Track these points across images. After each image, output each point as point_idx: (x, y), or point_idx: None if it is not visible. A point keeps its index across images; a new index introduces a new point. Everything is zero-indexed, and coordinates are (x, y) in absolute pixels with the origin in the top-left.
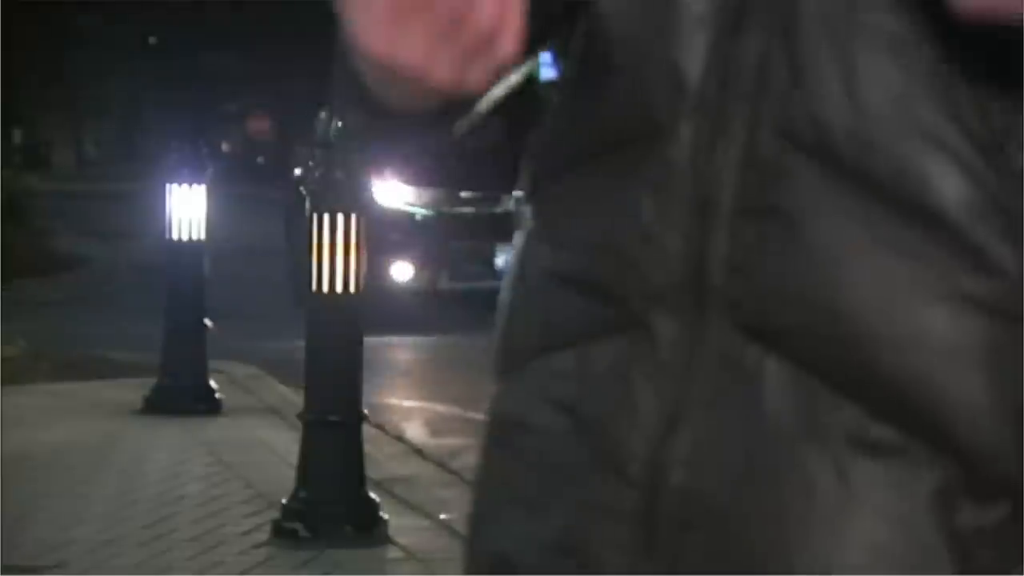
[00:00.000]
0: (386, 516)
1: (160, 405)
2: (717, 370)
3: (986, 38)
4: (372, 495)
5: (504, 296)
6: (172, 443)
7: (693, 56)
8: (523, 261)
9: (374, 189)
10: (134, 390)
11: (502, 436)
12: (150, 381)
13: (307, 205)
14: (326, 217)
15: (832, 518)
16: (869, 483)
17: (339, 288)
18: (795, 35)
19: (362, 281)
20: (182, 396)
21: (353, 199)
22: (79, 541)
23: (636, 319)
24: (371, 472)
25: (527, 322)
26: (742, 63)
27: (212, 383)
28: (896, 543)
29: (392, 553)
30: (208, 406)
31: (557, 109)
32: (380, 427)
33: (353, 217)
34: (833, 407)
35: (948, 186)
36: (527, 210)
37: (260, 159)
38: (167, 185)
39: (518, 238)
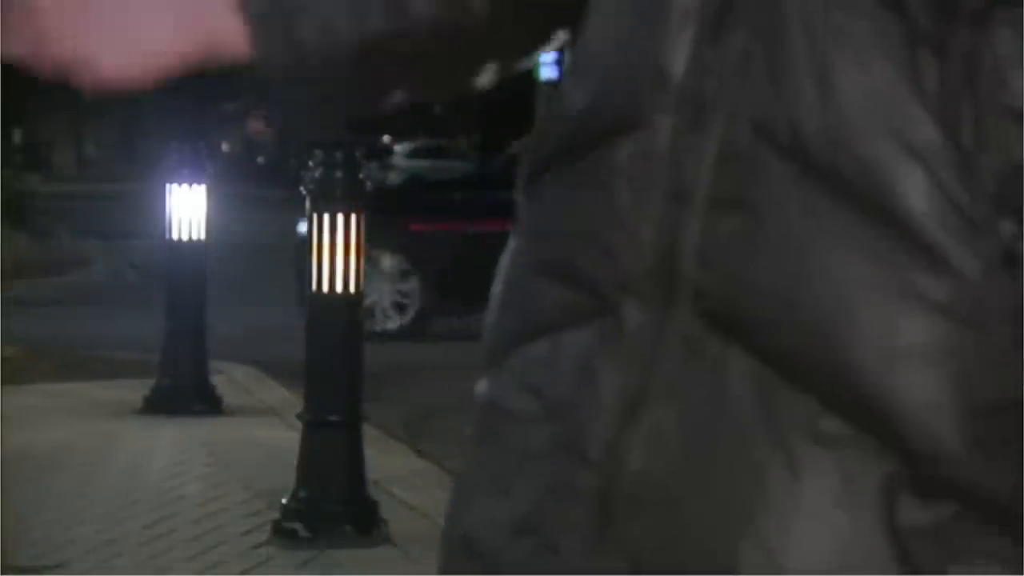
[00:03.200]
0: (386, 516)
1: (160, 405)
2: (680, 358)
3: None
4: (372, 495)
5: (494, 290)
6: (172, 443)
7: (677, 50)
8: (513, 255)
9: None
10: (134, 390)
11: (482, 422)
12: (150, 381)
13: (307, 205)
14: (326, 217)
15: (779, 506)
16: (817, 473)
17: (339, 288)
18: (775, 34)
19: (362, 281)
20: (182, 396)
21: (353, 199)
22: (79, 541)
23: (608, 307)
24: (371, 472)
25: (511, 313)
26: (723, 59)
27: (212, 383)
28: (839, 534)
29: (392, 553)
30: (208, 406)
31: (551, 102)
32: (380, 427)
33: (353, 217)
34: (788, 398)
35: (914, 190)
36: (521, 205)
37: (260, 159)
38: (167, 185)
39: (512, 236)
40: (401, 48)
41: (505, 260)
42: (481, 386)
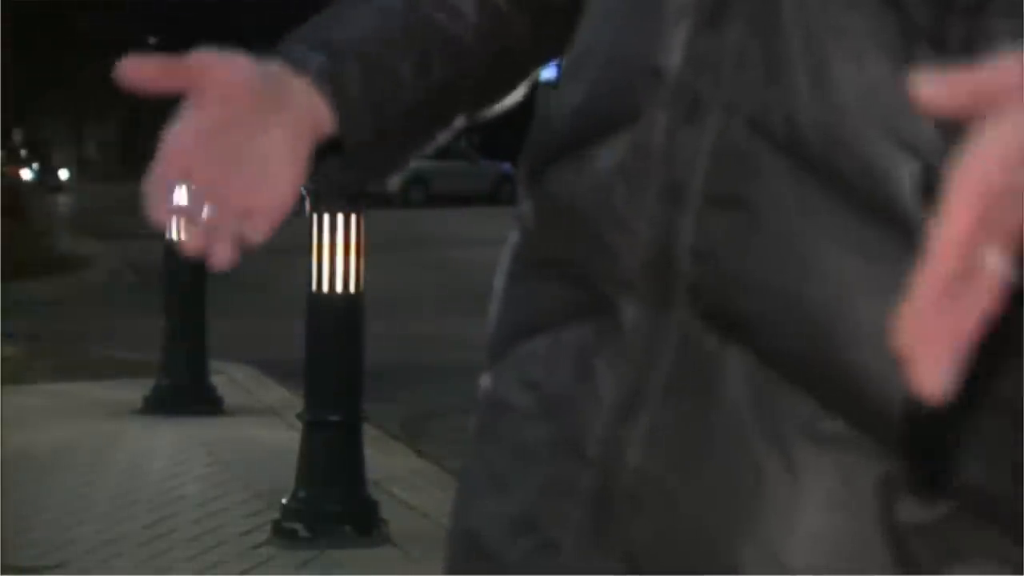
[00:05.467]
0: (386, 516)
1: (160, 405)
2: (678, 356)
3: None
4: (372, 495)
5: (496, 287)
6: (172, 443)
7: (672, 44)
8: (514, 252)
9: None
10: (134, 390)
11: (484, 418)
12: (150, 381)
13: (307, 205)
14: (326, 217)
15: (778, 506)
16: (816, 473)
17: (339, 288)
18: (772, 29)
19: (362, 281)
20: (182, 396)
21: (353, 199)
22: (79, 541)
23: (605, 304)
24: (371, 472)
25: (511, 309)
26: (720, 54)
27: (212, 383)
28: (838, 533)
29: (392, 553)
30: (208, 406)
31: (550, 101)
32: (380, 427)
33: (353, 217)
34: (788, 398)
35: (911, 187)
36: (522, 202)
37: None
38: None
39: (514, 231)
40: (460, 85)
41: (506, 256)
42: (484, 381)
